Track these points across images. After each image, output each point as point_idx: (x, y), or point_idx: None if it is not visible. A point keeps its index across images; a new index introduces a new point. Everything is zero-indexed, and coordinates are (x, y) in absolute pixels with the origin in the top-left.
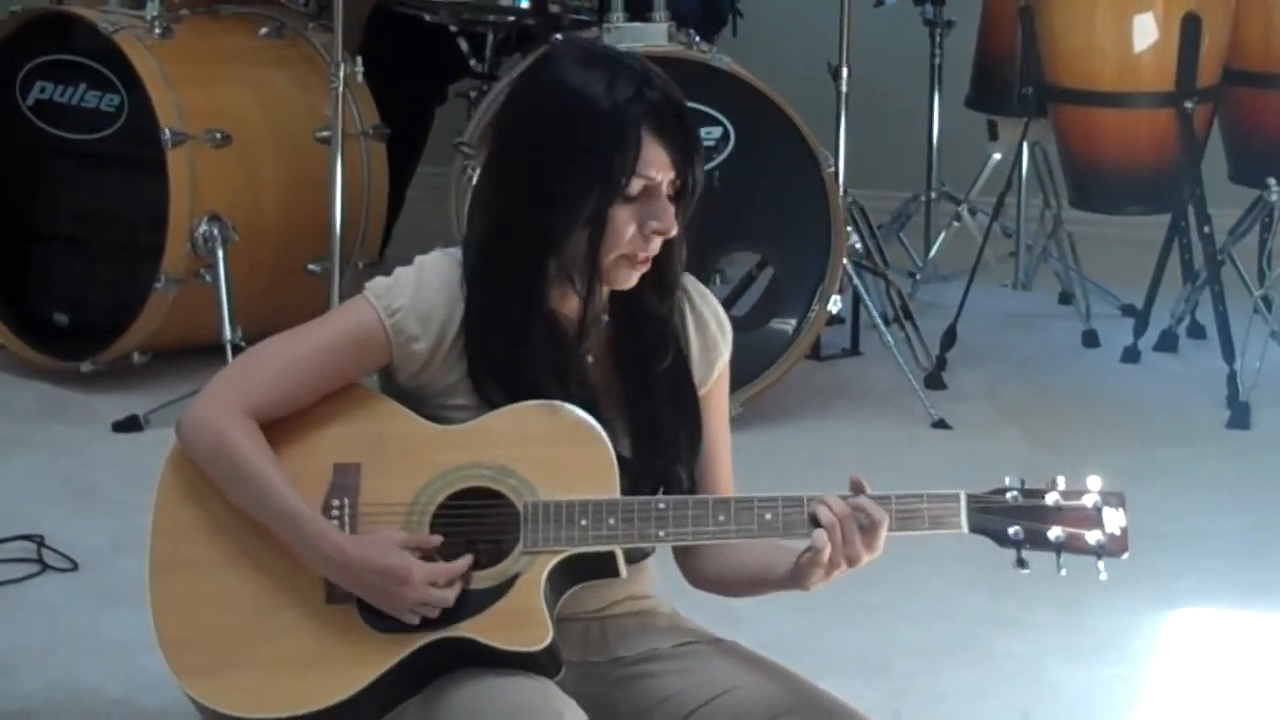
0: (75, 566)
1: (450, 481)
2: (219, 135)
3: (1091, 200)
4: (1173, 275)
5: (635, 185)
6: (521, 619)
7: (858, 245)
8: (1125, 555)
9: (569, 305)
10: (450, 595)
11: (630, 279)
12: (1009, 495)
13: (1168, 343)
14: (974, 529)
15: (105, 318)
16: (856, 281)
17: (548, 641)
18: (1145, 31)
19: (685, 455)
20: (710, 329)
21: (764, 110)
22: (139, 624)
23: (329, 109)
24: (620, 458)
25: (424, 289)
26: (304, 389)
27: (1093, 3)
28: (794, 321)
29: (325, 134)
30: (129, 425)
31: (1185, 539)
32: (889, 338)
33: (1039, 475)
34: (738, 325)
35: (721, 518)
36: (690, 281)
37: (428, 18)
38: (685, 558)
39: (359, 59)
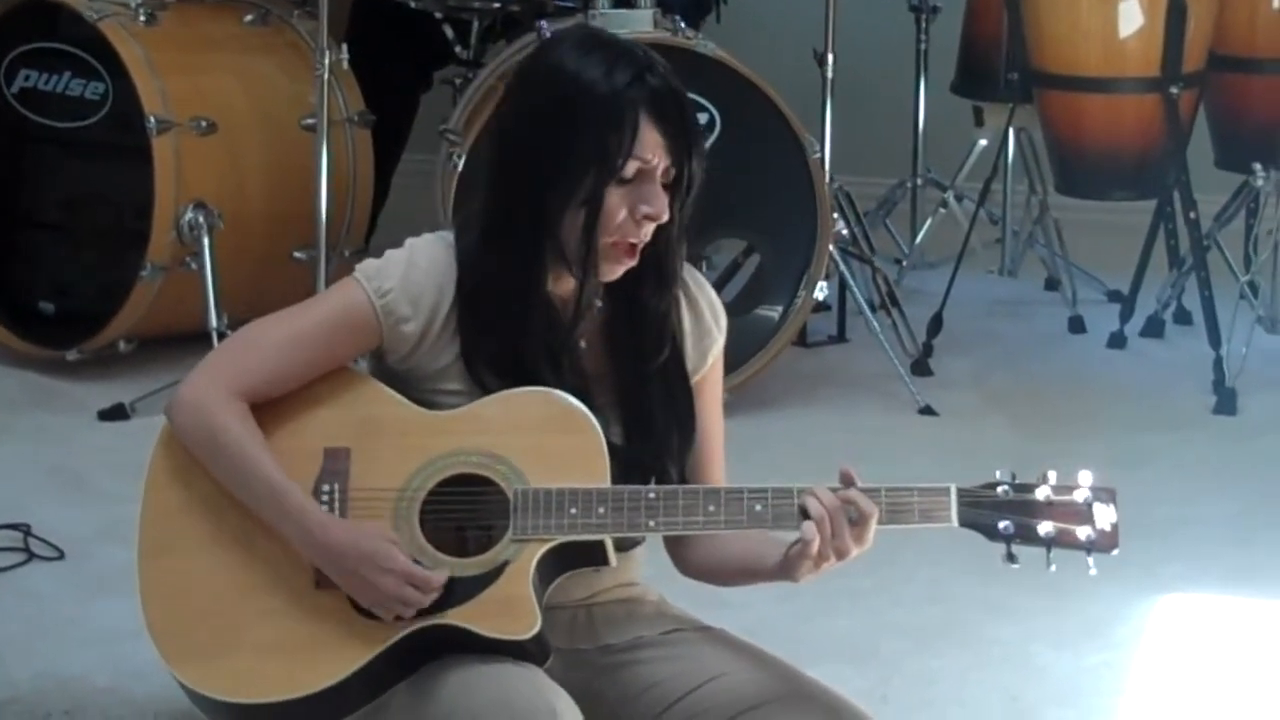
0: (62, 555)
1: (441, 468)
2: (204, 123)
3: (1077, 186)
4: (1159, 261)
5: (630, 168)
6: (510, 607)
7: (844, 232)
8: (1115, 551)
9: (564, 288)
10: (425, 600)
11: (617, 269)
12: (999, 490)
13: (1154, 329)
14: (964, 523)
15: (91, 306)
16: (843, 268)
17: (536, 630)
18: (1131, 17)
19: (676, 452)
20: (705, 317)
21: (749, 97)
22: (125, 612)
23: (314, 96)
24: (611, 445)
25: (414, 271)
26: (294, 370)
27: None
28: (780, 308)
29: (311, 121)
30: (115, 414)
31: (1171, 525)
32: (875, 324)
33: (1025, 462)
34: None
35: (711, 508)
36: (687, 270)
37: (413, 4)
38: (676, 547)
39: (344, 46)
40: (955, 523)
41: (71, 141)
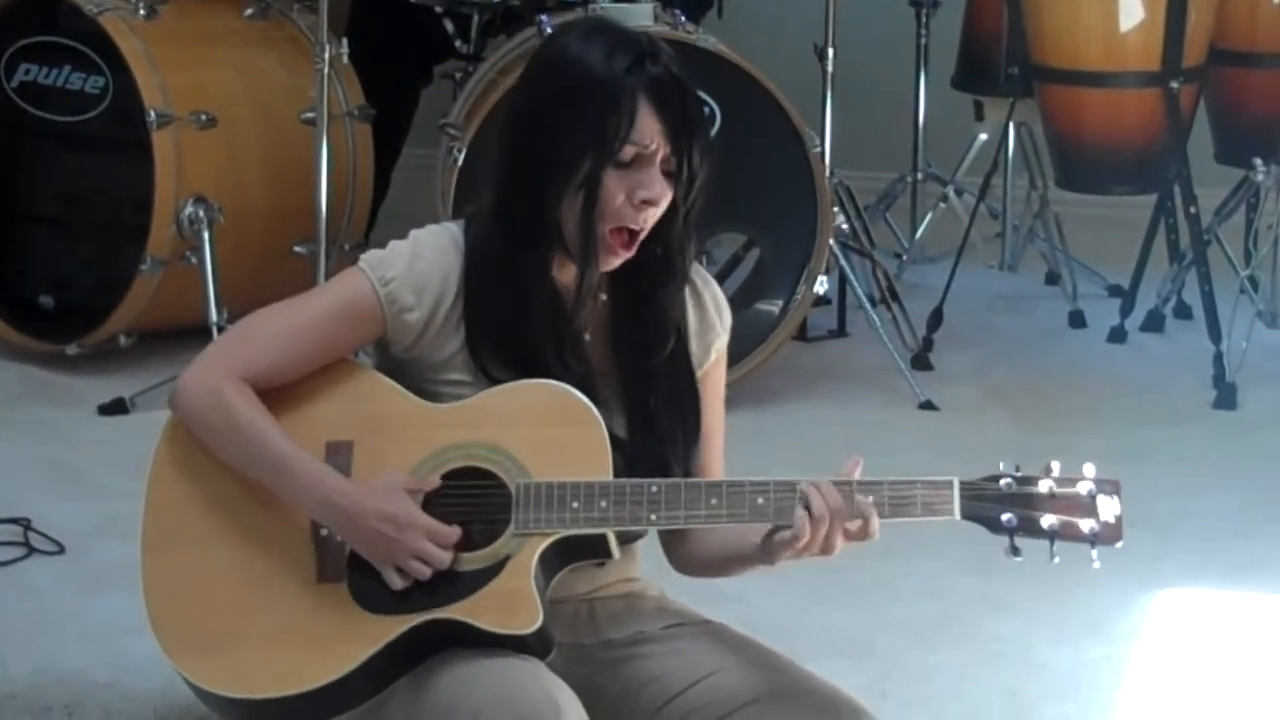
0: (62, 550)
1: (443, 461)
2: (204, 117)
3: (1077, 181)
4: (1159, 255)
5: (627, 152)
6: (512, 602)
7: (844, 226)
8: (1119, 544)
9: (568, 276)
10: (445, 556)
11: (614, 259)
12: (1002, 482)
13: (1154, 323)
14: (966, 516)
15: (91, 300)
16: (843, 262)
17: (538, 625)
18: (1131, 11)
19: (681, 449)
20: (709, 312)
21: (750, 91)
22: (125, 607)
23: (314, 90)
24: (615, 438)
25: (418, 260)
26: (297, 359)
27: None
28: (780, 303)
29: (311, 115)
30: (115, 408)
31: (1171, 519)
32: (875, 319)
33: (1026, 456)
34: None
35: (714, 501)
36: (694, 267)
37: None
38: (672, 539)
39: (344, 40)
40: (958, 516)
41: (71, 135)
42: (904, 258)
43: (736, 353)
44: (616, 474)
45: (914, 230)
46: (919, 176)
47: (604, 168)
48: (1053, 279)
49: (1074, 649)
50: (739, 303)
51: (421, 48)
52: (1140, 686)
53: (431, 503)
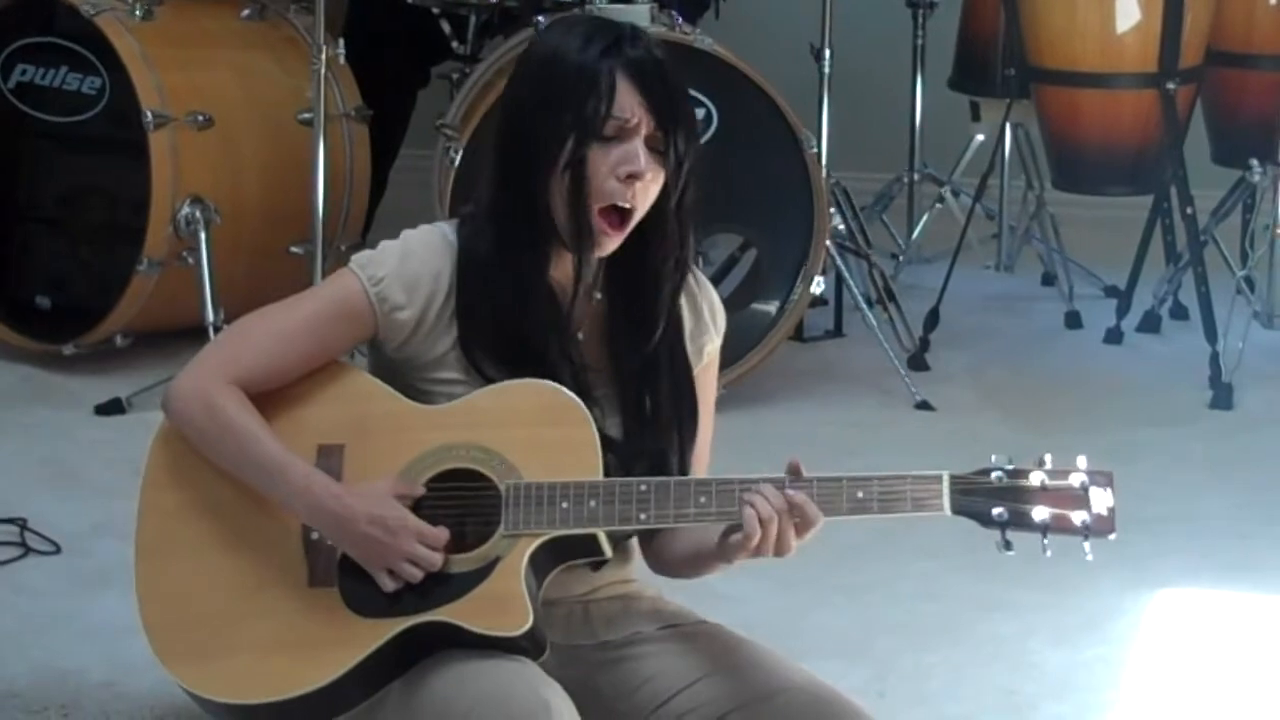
0: (58, 550)
1: (433, 463)
2: (201, 117)
3: (1074, 181)
4: (1155, 256)
5: (609, 126)
6: (502, 604)
7: (840, 227)
8: (1112, 536)
9: (562, 272)
10: (437, 558)
11: (606, 241)
12: (993, 475)
13: (1150, 324)
14: (957, 511)
15: (87, 300)
16: (839, 263)
17: (528, 626)
18: (1128, 12)
19: (680, 441)
20: (704, 316)
21: (747, 92)
22: (122, 607)
23: (311, 91)
24: (609, 438)
25: (409, 259)
26: (290, 360)
27: None
28: (777, 303)
29: (307, 116)
30: (111, 408)
31: (1168, 520)
32: (872, 319)
33: (1022, 456)
34: None
35: (703, 500)
36: (691, 270)
37: None
38: (646, 538)
39: (341, 41)
40: (948, 510)
41: (68, 136)
42: (900, 258)
43: (733, 353)
44: (611, 473)
45: (910, 231)
46: (915, 177)
47: (587, 145)
48: (1049, 280)
49: (1071, 649)
50: (735, 303)
51: (418, 48)
52: (1136, 686)
53: (423, 505)
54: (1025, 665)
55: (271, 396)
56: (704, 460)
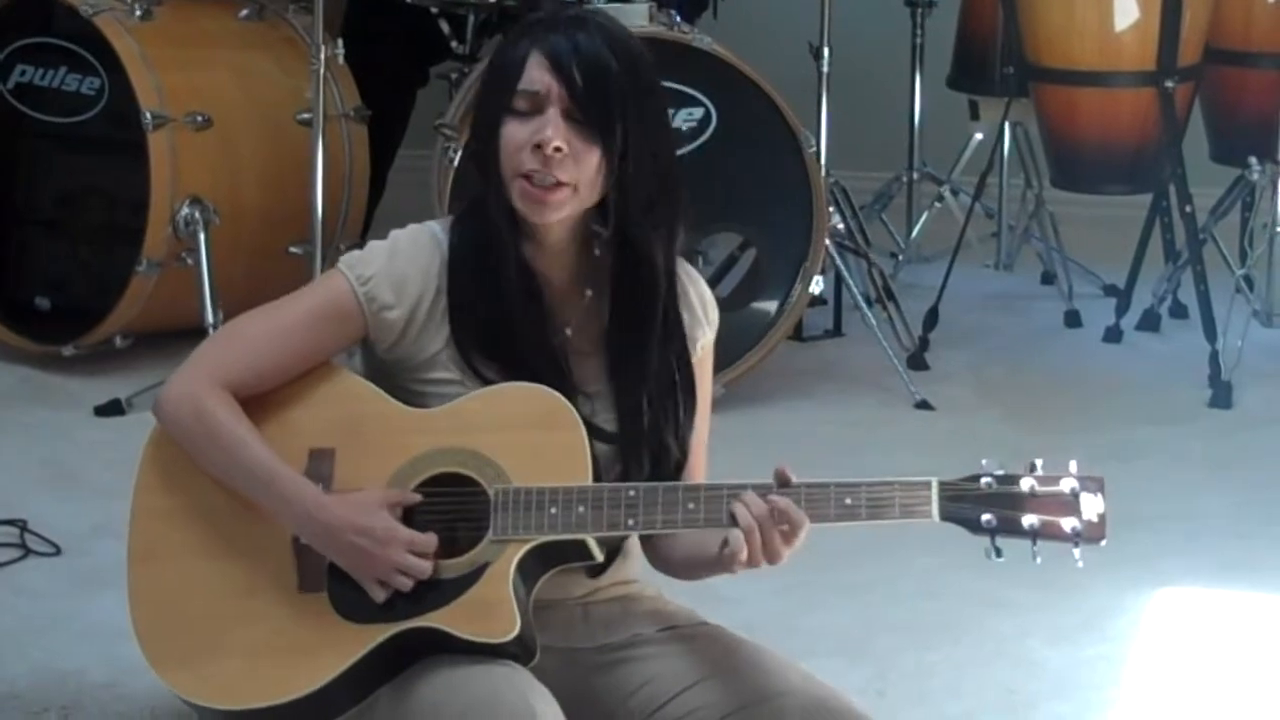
0: (58, 551)
1: (422, 467)
2: (200, 118)
3: (1073, 180)
4: (1154, 255)
5: (520, 100)
6: (489, 610)
7: (840, 226)
8: (1103, 543)
9: (547, 265)
10: (426, 565)
11: (538, 210)
12: (983, 482)
13: (1150, 322)
14: (945, 517)
15: (87, 301)
16: (839, 262)
17: (515, 632)
18: (1126, 10)
19: (677, 424)
20: (695, 308)
21: (745, 91)
22: (122, 608)
23: (310, 91)
24: (603, 431)
25: (397, 258)
26: (280, 363)
27: None
28: (776, 303)
29: (306, 116)
30: (111, 409)
31: (1167, 518)
32: (871, 318)
33: (1021, 455)
34: (720, 306)
35: (691, 506)
36: (680, 264)
37: None
38: (646, 538)
39: (340, 41)
40: (937, 517)
41: (67, 137)
42: (900, 257)
43: (732, 352)
44: (608, 467)
45: (910, 230)
46: (914, 176)
47: (502, 119)
48: (1048, 278)
49: (1071, 648)
50: (735, 302)
51: (417, 48)
52: (1137, 685)
53: (412, 510)
54: (1026, 664)
55: (263, 400)
56: (701, 457)
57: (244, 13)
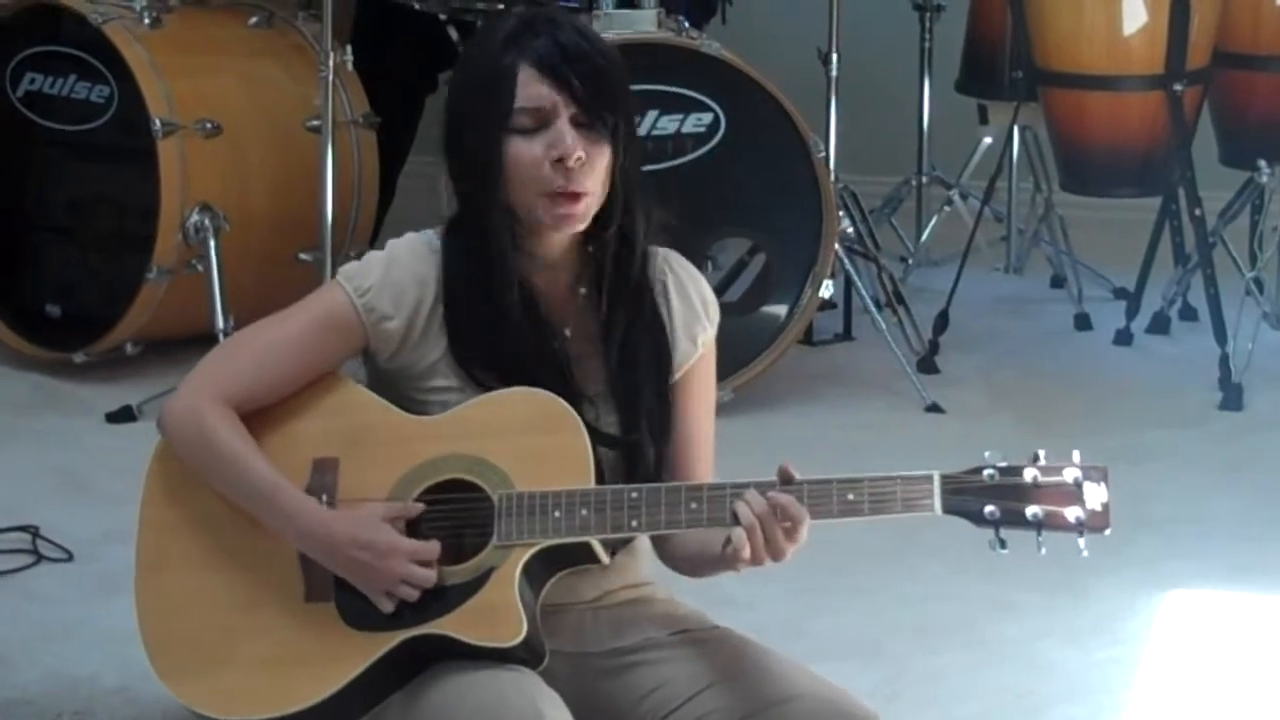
0: (70, 557)
1: (426, 474)
2: (209, 125)
3: (1082, 184)
4: (1164, 258)
5: (524, 118)
6: (495, 615)
7: (849, 230)
8: (1107, 531)
9: (538, 274)
10: (430, 574)
11: (565, 220)
12: (985, 474)
13: (1160, 325)
14: (948, 510)
15: (97, 308)
16: (848, 266)
17: (522, 637)
18: (1134, 14)
19: (665, 416)
20: (694, 303)
21: (754, 96)
22: (134, 614)
23: (319, 98)
24: (606, 435)
25: (395, 268)
26: (281, 377)
27: None
28: (786, 307)
29: (316, 123)
30: (122, 416)
31: (1178, 521)
32: (881, 323)
33: (1028, 456)
34: (730, 311)
35: (694, 505)
36: (676, 259)
37: (417, 6)
38: (657, 537)
39: (349, 48)
40: (939, 510)
41: (77, 145)
42: (909, 261)
43: (742, 356)
44: (614, 469)
45: (919, 234)
46: (924, 180)
47: (509, 141)
48: (1058, 282)
49: (1083, 650)
50: (745, 307)
51: (426, 54)
52: (1149, 688)
53: (417, 519)
54: (1037, 667)
55: (266, 410)
56: (707, 455)
57: (253, 20)
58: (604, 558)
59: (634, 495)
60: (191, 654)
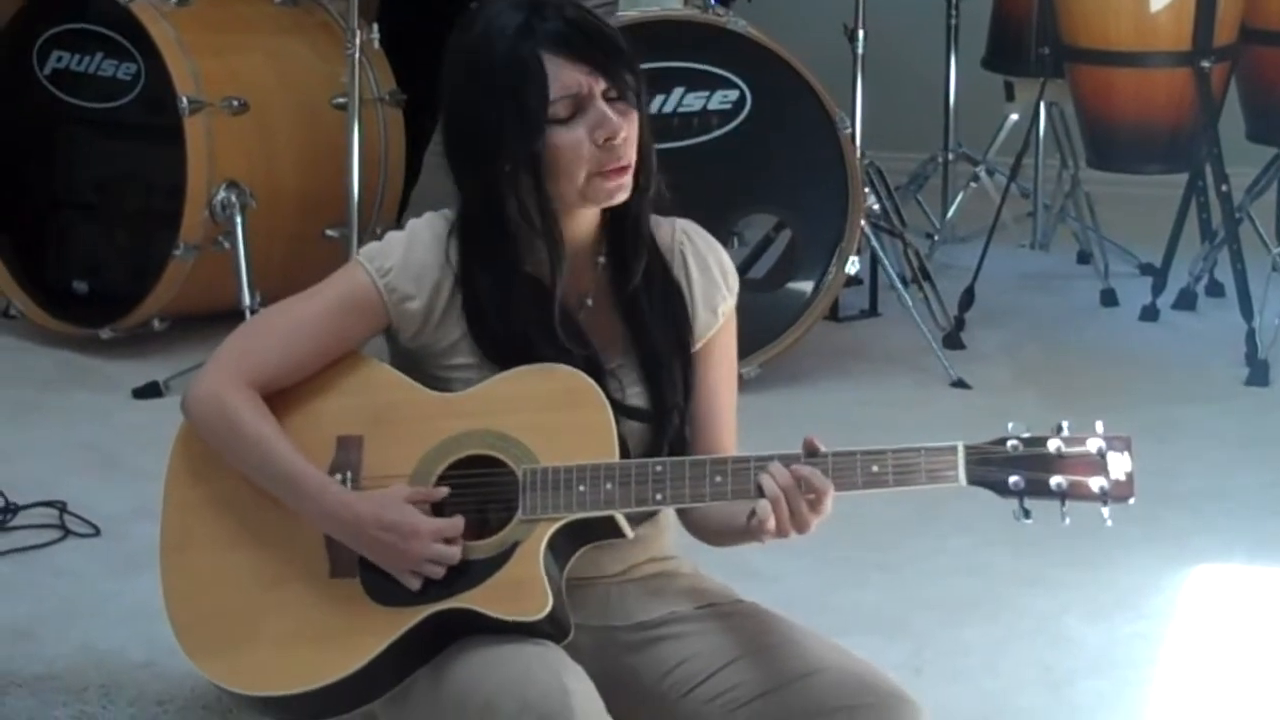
0: (97, 532)
1: (450, 450)
2: (236, 103)
3: (1109, 160)
4: (1191, 234)
5: (560, 108)
6: (521, 589)
7: (875, 207)
8: (1131, 501)
9: (570, 246)
10: (455, 551)
11: (617, 192)
12: (1009, 444)
13: (1186, 301)
14: (972, 481)
15: (124, 285)
16: (874, 243)
17: (548, 610)
18: None
19: (687, 385)
20: (713, 273)
21: (780, 73)
22: (159, 593)
23: (346, 76)
24: (633, 409)
25: (415, 248)
26: (304, 357)
27: None
28: (812, 283)
29: (342, 101)
30: (149, 391)
31: (1204, 496)
32: (907, 299)
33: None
34: (756, 287)
35: (719, 478)
36: (694, 229)
37: None
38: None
39: (375, 25)
40: (964, 481)
41: (104, 122)
42: (935, 238)
43: (768, 332)
44: (639, 442)
45: (945, 210)
46: (950, 157)
47: (541, 135)
48: (1084, 258)
49: (1108, 625)
50: (771, 283)
51: (452, 32)
52: (1174, 662)
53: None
54: (1062, 641)
55: (289, 390)
56: (729, 425)
57: None
58: (628, 531)
59: (658, 469)
60: (218, 631)
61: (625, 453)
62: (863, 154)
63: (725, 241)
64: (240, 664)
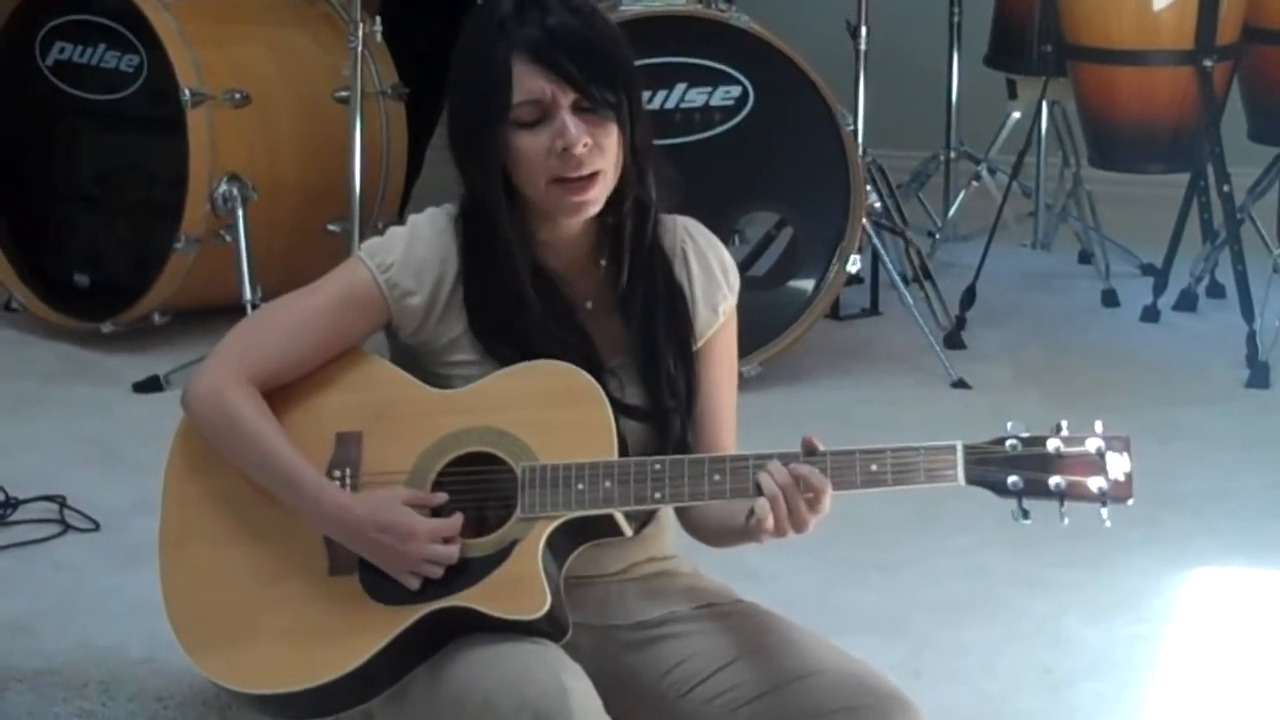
0: (97, 527)
1: (449, 447)
2: (238, 95)
3: (1111, 159)
4: (1192, 234)
5: (524, 112)
6: (519, 587)
7: (877, 205)
8: (1130, 501)
9: (562, 248)
10: (454, 551)
11: (580, 207)
12: (1008, 444)
13: (1187, 302)
14: (971, 481)
15: (125, 278)
16: (875, 241)
17: (546, 609)
18: None
19: (689, 387)
20: (714, 271)
21: (783, 69)
22: (159, 589)
23: (348, 69)
24: (632, 407)
25: (416, 244)
26: (305, 353)
27: None
28: (813, 281)
29: (344, 94)
30: (150, 385)
31: (1204, 498)
32: (908, 297)
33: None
34: (757, 285)
35: (717, 477)
36: (695, 227)
37: None
38: (681, 508)
39: (378, 18)
40: (962, 480)
41: (106, 114)
42: (937, 236)
43: (769, 331)
44: (639, 441)
45: (947, 209)
46: (952, 155)
47: (512, 135)
48: (1086, 258)
49: (1107, 627)
50: (772, 281)
51: (455, 25)
52: (1173, 664)
53: (442, 489)
54: (1062, 642)
55: (289, 385)
56: (729, 423)
57: None
58: (627, 530)
59: (657, 467)
60: (216, 628)
61: (624, 452)
62: (865, 151)
63: (726, 239)
64: (238, 661)
